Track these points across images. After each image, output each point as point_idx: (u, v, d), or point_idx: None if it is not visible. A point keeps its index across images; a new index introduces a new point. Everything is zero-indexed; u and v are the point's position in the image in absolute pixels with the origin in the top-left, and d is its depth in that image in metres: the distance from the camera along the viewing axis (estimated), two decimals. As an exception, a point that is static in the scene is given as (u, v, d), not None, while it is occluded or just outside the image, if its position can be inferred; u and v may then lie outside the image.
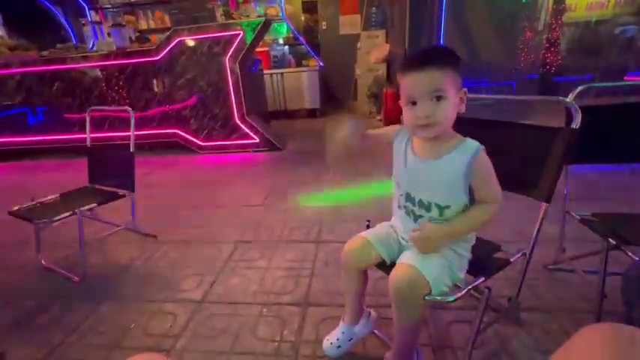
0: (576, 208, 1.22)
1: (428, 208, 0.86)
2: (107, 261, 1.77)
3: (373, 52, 4.87)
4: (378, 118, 4.78)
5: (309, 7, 5.98)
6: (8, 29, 4.65)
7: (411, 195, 0.89)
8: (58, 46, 3.84)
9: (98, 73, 3.56)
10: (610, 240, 1.01)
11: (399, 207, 0.94)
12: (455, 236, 0.87)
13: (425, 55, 0.78)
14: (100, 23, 3.93)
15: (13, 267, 1.75)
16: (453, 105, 0.79)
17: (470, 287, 0.87)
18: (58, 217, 1.49)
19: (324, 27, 5.97)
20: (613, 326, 0.43)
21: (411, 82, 0.79)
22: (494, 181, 0.83)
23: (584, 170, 1.20)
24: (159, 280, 1.56)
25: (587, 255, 1.30)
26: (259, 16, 3.57)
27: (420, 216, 0.88)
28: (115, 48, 3.63)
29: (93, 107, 1.96)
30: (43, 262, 1.71)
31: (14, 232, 2.03)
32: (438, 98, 0.77)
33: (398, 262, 0.88)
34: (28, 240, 1.75)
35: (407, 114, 0.82)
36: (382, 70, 4.89)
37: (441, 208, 0.85)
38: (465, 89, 0.82)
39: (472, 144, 0.82)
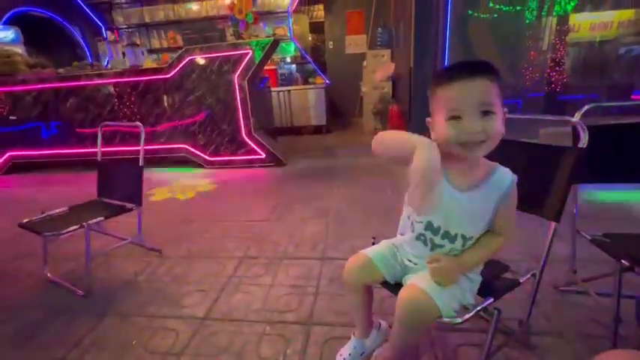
0: (588, 227, 1.19)
1: (452, 240, 0.82)
2: (111, 275, 1.77)
3: (379, 70, 4.96)
4: (384, 134, 4.81)
5: (316, 28, 6.17)
6: (28, 47, 4.86)
7: (434, 224, 0.82)
8: (75, 64, 3.98)
9: (111, 89, 3.67)
10: (623, 261, 0.98)
11: (413, 231, 0.88)
12: (470, 270, 0.85)
13: (473, 65, 0.70)
14: (115, 42, 4.08)
15: (20, 279, 1.76)
16: (500, 122, 0.71)
17: (478, 308, 0.85)
18: (66, 230, 1.51)
19: (330, 46, 6.13)
20: (634, 354, 0.41)
21: (456, 93, 0.69)
22: (515, 214, 0.83)
23: (596, 189, 1.19)
24: (162, 295, 1.55)
25: (600, 277, 1.26)
26: (268, 36, 3.68)
27: (441, 246, 0.83)
28: (128, 66, 3.76)
29: (105, 123, 2.01)
30: (49, 274, 1.71)
31: (23, 244, 2.05)
32: (486, 113, 0.69)
33: (406, 282, 0.87)
34: (36, 252, 1.77)
35: (449, 130, 0.71)
36: (387, 87, 4.96)
37: (466, 240, 0.82)
38: (506, 109, 0.74)
39: (507, 175, 0.79)
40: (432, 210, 0.77)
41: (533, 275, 0.96)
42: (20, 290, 1.67)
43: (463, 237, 0.82)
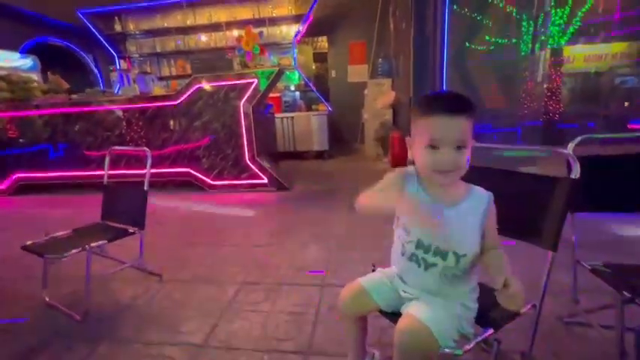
0: (589, 256, 1.19)
1: (444, 257, 0.84)
2: (110, 299, 1.75)
3: (380, 98, 5.11)
4: (385, 160, 4.87)
5: (320, 58, 6.42)
6: (44, 74, 5.09)
7: (425, 242, 0.85)
8: (87, 90, 4.14)
9: (120, 114, 3.80)
10: (624, 292, 0.98)
11: (403, 254, 0.90)
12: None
13: (454, 102, 0.76)
14: (127, 71, 4.28)
15: (17, 302, 1.75)
16: (469, 153, 0.79)
17: (479, 339, 0.84)
18: (68, 253, 1.52)
19: (333, 75, 6.36)
20: None
21: (437, 126, 0.76)
22: (496, 231, 0.87)
23: (597, 218, 1.19)
24: (160, 321, 1.53)
25: (603, 307, 1.24)
26: (273, 66, 3.85)
27: (434, 264, 0.85)
28: (138, 93, 3.91)
29: (114, 147, 2.07)
30: (47, 298, 1.70)
31: (24, 266, 2.05)
32: (459, 147, 0.77)
33: (404, 312, 0.86)
34: (36, 274, 1.77)
35: (425, 157, 0.79)
36: (389, 115, 5.09)
37: (458, 257, 0.83)
38: (474, 140, 0.82)
39: (483, 192, 0.85)
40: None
41: (534, 306, 0.95)
42: (17, 313, 1.65)
43: (455, 254, 0.83)
